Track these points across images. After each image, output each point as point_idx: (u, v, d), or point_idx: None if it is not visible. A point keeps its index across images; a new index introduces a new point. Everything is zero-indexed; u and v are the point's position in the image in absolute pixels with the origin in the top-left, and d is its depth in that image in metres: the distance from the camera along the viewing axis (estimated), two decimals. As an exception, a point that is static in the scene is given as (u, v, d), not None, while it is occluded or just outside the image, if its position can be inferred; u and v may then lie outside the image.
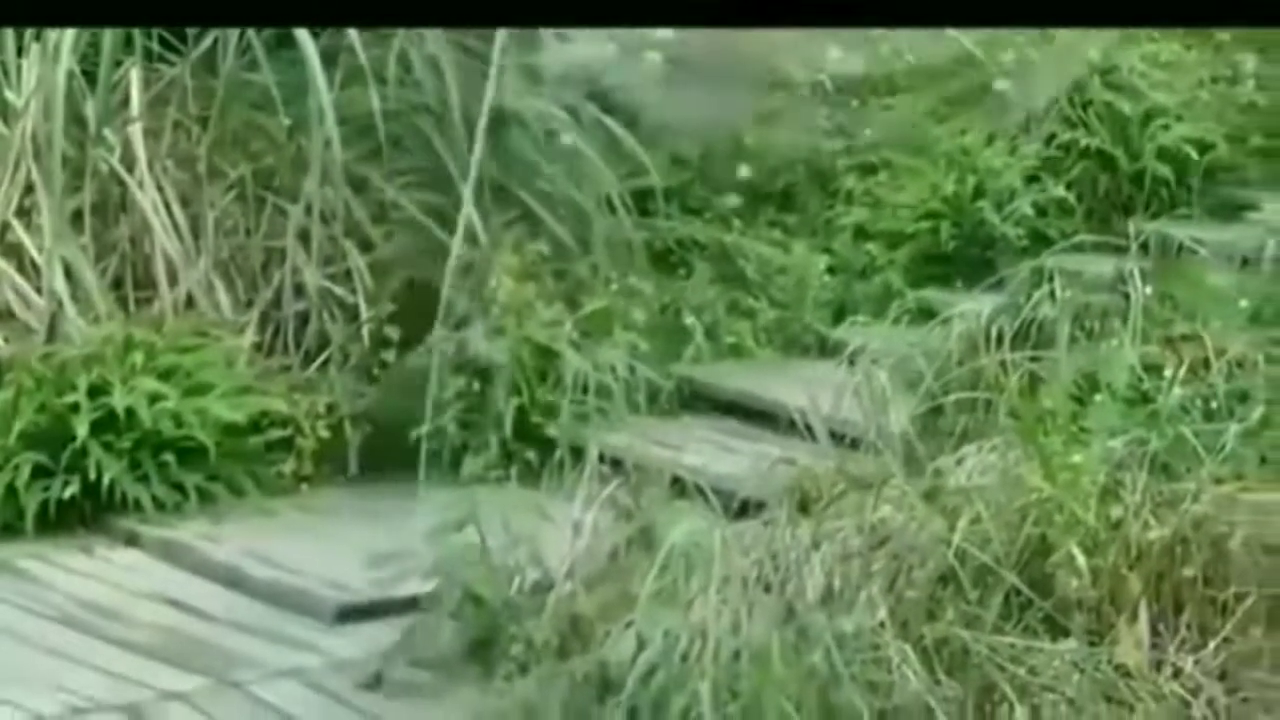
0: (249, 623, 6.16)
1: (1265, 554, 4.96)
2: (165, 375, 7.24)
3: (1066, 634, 4.88)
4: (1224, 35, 9.61)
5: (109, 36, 7.93)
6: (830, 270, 9.00)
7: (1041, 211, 9.02)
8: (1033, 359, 6.07)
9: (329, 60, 7.93)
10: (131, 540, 6.88)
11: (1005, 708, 4.65)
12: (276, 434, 7.40)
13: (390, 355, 7.79)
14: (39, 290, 7.58)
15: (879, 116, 9.57)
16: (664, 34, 8.82)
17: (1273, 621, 4.90)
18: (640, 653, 4.72)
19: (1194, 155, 9.14)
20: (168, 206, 8.02)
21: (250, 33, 8.11)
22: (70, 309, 7.53)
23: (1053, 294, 6.46)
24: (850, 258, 9.11)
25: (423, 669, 5.61)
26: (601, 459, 5.63)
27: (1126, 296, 6.40)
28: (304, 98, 7.93)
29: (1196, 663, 4.82)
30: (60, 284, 7.56)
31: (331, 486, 7.48)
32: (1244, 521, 5.01)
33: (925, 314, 7.04)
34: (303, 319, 7.97)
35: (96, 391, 7.07)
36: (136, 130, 8.12)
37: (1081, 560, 4.94)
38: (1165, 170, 9.17)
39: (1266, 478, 5.34)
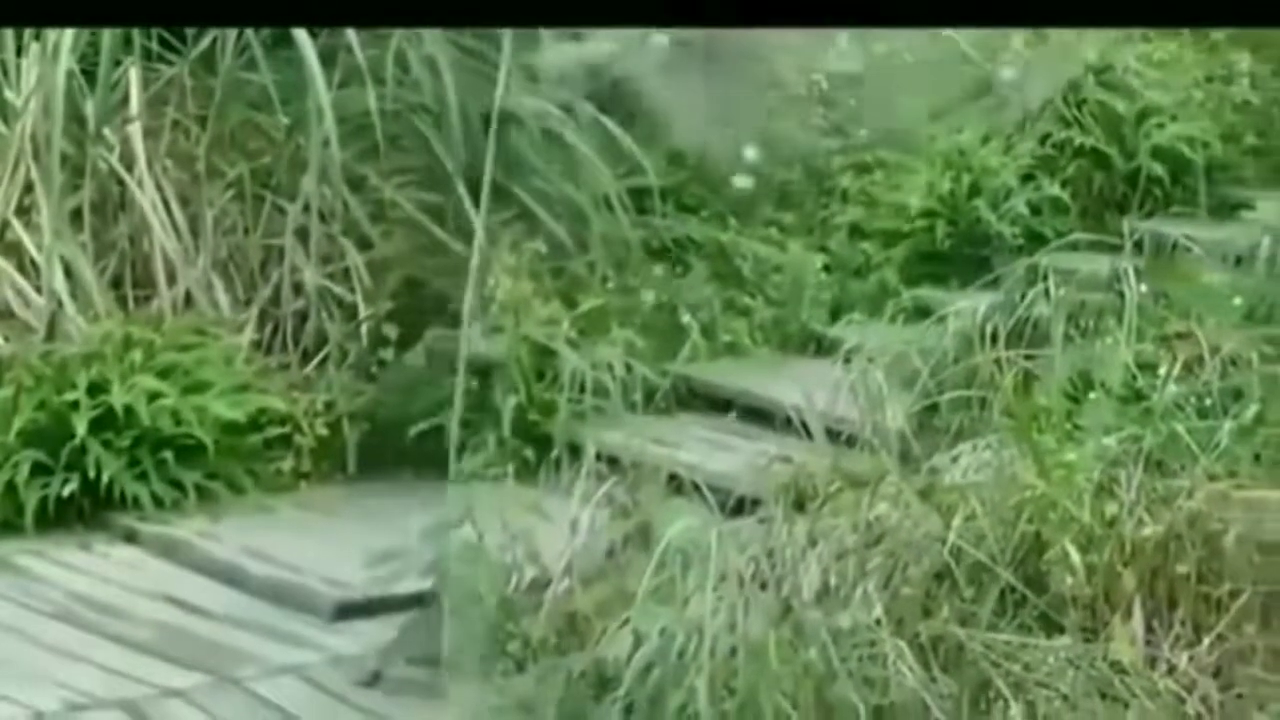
0: (248, 620, 6.18)
1: (1259, 551, 4.97)
2: (164, 373, 7.26)
3: (1061, 630, 4.90)
4: (1219, 35, 9.63)
5: (108, 36, 7.95)
6: (826, 269, 9.01)
7: (1036, 210, 9.04)
8: (1028, 357, 6.10)
9: (327, 60, 7.93)
10: (130, 537, 6.90)
11: (1000, 704, 4.67)
12: (275, 432, 7.42)
13: (388, 353, 7.81)
14: (39, 289, 7.60)
15: (875, 116, 9.58)
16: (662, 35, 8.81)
17: (1266, 618, 4.92)
18: (637, 649, 4.74)
19: (1188, 154, 9.17)
20: (167, 205, 8.04)
21: (249, 32, 8.13)
22: (70, 307, 7.55)
23: (1048, 292, 6.48)
24: (846, 256, 9.12)
25: (421, 666, 5.62)
26: (599, 457, 5.63)
27: (1121, 295, 6.41)
28: (302, 97, 7.95)
29: (1191, 659, 4.83)
30: (60, 282, 7.58)
31: (330, 484, 7.50)
32: (1238, 518, 5.02)
33: (921, 312, 7.06)
34: (301, 317, 7.99)
35: (96, 389, 7.08)
36: (135, 129, 8.14)
37: (1076, 557, 4.96)
38: (1160, 169, 9.20)
39: (1260, 475, 5.35)
